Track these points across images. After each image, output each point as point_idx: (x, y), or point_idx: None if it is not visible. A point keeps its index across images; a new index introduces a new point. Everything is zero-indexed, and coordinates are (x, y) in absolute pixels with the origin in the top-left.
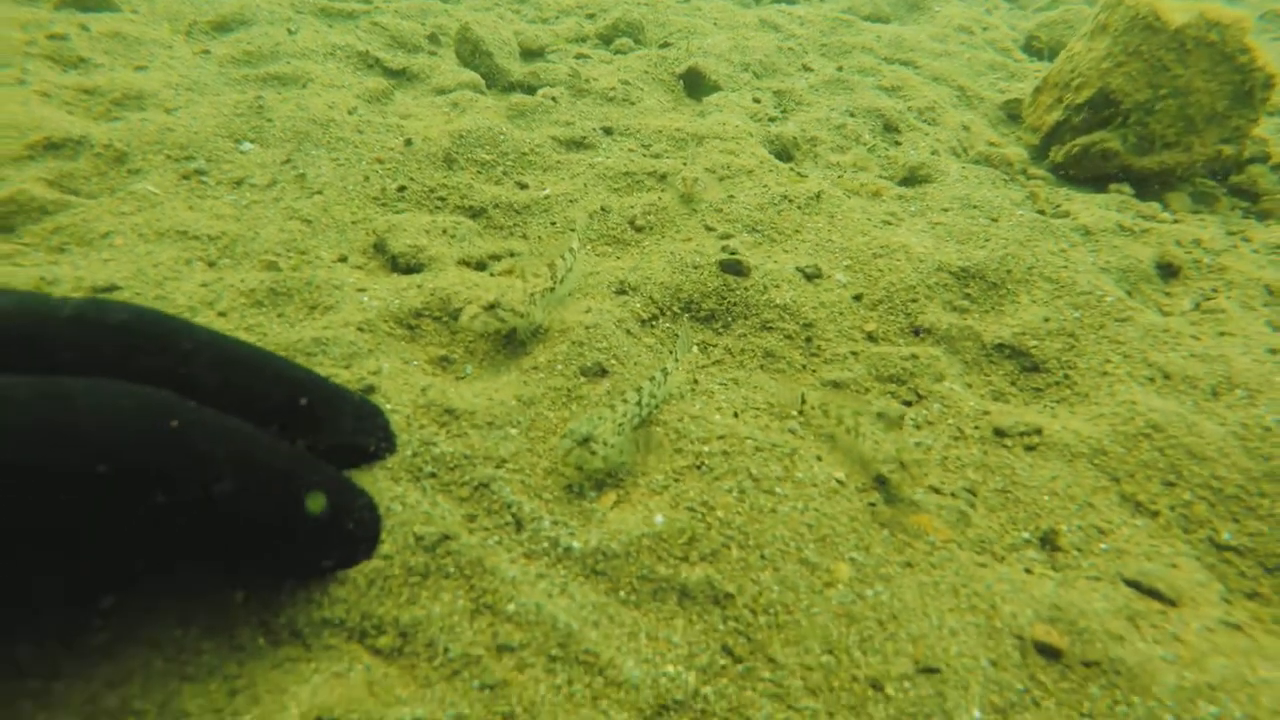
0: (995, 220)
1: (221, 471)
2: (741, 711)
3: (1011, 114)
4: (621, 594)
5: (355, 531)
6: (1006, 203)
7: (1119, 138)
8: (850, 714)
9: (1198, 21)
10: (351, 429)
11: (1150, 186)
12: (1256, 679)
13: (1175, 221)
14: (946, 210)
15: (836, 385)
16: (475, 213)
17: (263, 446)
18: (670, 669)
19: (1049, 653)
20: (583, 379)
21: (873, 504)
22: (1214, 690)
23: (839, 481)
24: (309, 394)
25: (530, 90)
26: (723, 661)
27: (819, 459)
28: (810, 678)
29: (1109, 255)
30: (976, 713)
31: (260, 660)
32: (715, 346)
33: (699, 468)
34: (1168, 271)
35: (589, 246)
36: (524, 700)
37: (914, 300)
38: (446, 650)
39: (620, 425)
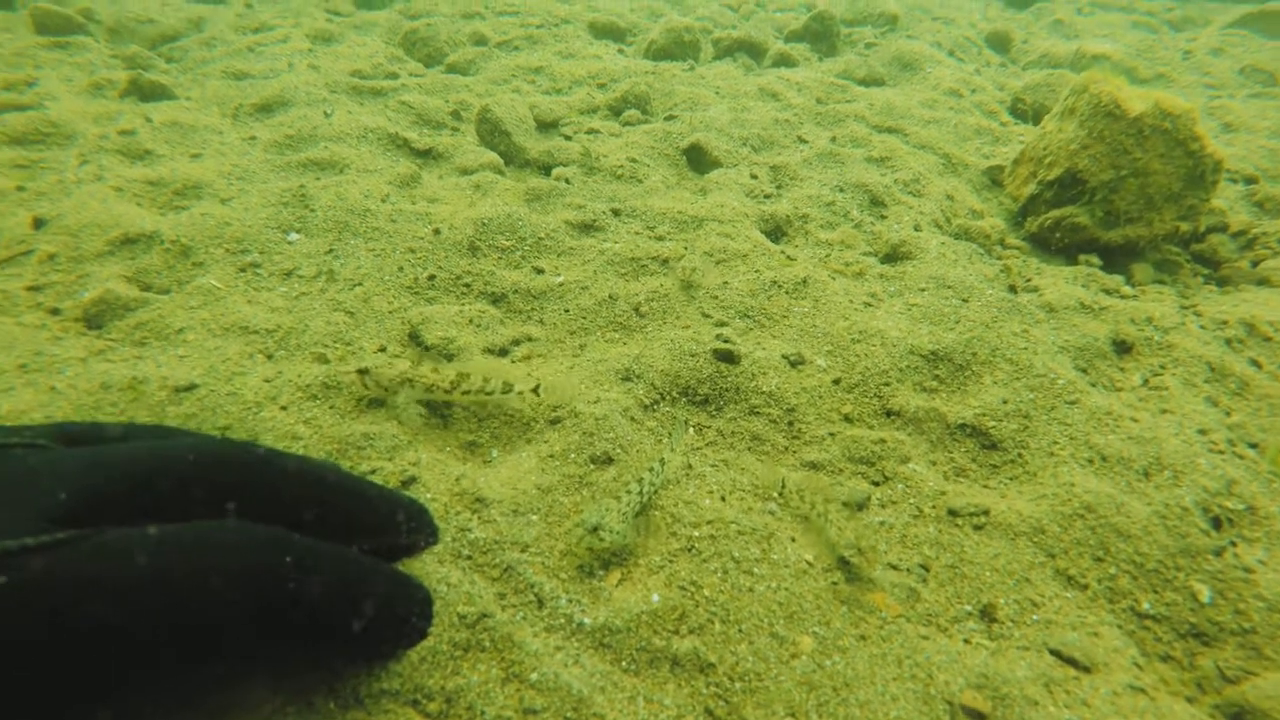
0: (966, 301)
1: (329, 599)
2: None
3: (994, 180)
4: (624, 663)
5: (417, 624)
6: (979, 280)
7: (1087, 213)
8: None
9: (1153, 110)
10: (405, 530)
11: (1117, 257)
12: None
13: (1134, 297)
14: (923, 290)
15: (814, 466)
16: (496, 299)
17: (351, 564)
18: None
19: (974, 715)
20: (592, 466)
21: (835, 583)
22: None
23: (808, 562)
24: (371, 506)
25: (545, 170)
26: None
27: (793, 540)
28: None
29: (1068, 334)
30: None
31: None
32: (709, 429)
33: (690, 550)
34: (1122, 348)
35: (600, 334)
36: None
37: (887, 384)
38: (483, 713)
39: (624, 513)
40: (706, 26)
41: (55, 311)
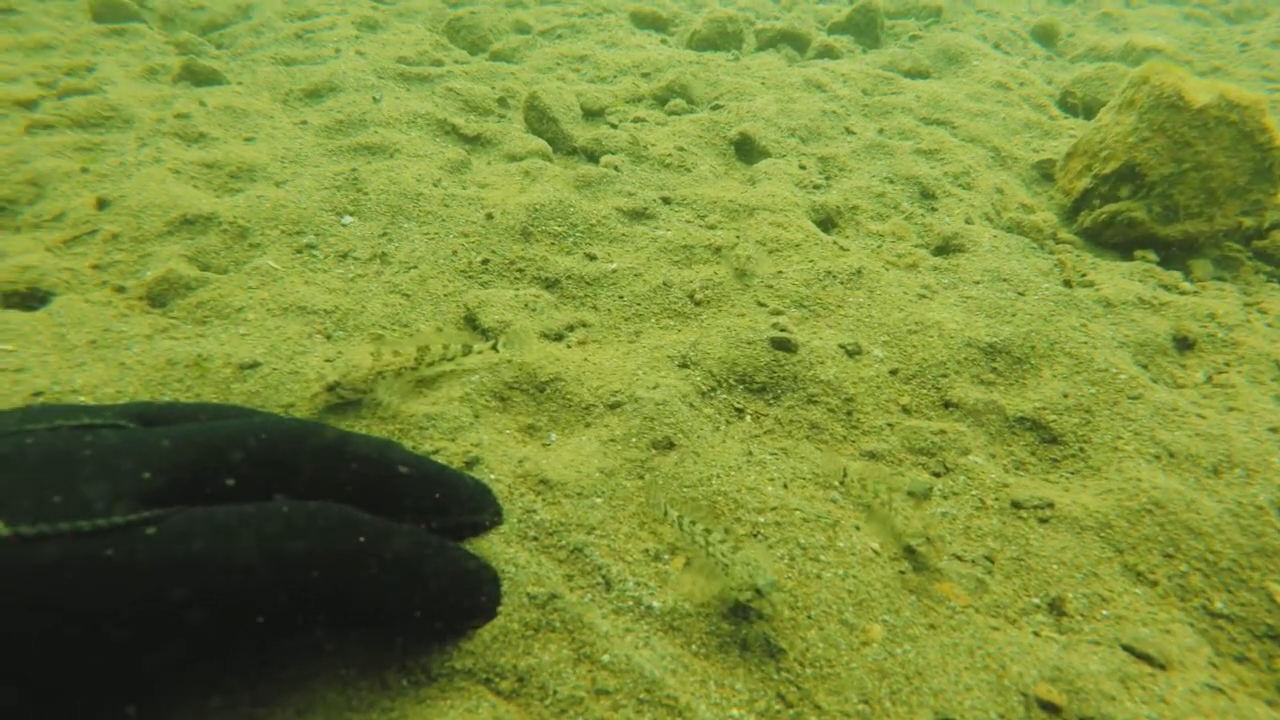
0: (1022, 294)
1: (400, 578)
2: None
3: (1045, 174)
4: (693, 647)
5: (486, 603)
6: (1034, 274)
7: (1144, 208)
8: None
9: (1219, 102)
10: (471, 510)
11: (1174, 253)
12: None
13: (1195, 293)
14: (978, 283)
15: (874, 456)
16: (550, 284)
17: (422, 544)
18: (735, 712)
19: (1050, 708)
20: (654, 451)
21: (903, 572)
22: None
23: (874, 551)
24: (437, 485)
25: (593, 157)
26: (777, 707)
27: (857, 529)
28: None
29: (1127, 329)
30: None
31: (406, 697)
32: (766, 417)
33: (755, 536)
34: (1183, 344)
35: (655, 321)
36: None
37: (944, 375)
38: (555, 693)
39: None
40: (749, 17)
41: (120, 289)
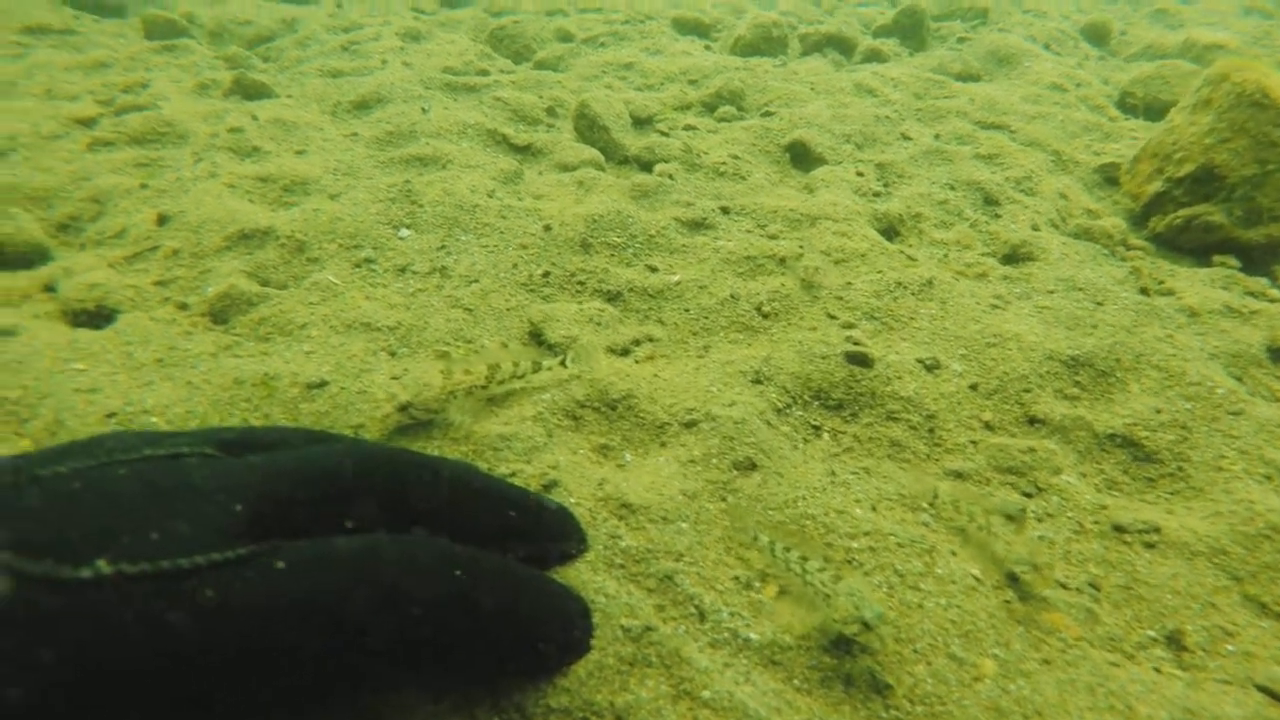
0: (1101, 304)
1: (497, 614)
2: None
3: (1108, 177)
4: (795, 682)
5: (580, 637)
6: (1110, 282)
7: (1223, 211)
8: None
9: None
10: (557, 537)
11: (1256, 257)
12: None
13: None
14: (1052, 293)
15: (959, 475)
16: (612, 296)
17: (516, 577)
18: None
19: None
20: (735, 472)
21: (1007, 601)
22: None
23: (976, 578)
24: (521, 510)
25: (646, 166)
26: None
27: (954, 554)
28: None
29: (1216, 340)
30: None
31: None
32: (844, 434)
33: (850, 563)
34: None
35: (724, 335)
36: None
37: (1027, 390)
38: None
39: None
40: (791, 22)
41: (183, 306)
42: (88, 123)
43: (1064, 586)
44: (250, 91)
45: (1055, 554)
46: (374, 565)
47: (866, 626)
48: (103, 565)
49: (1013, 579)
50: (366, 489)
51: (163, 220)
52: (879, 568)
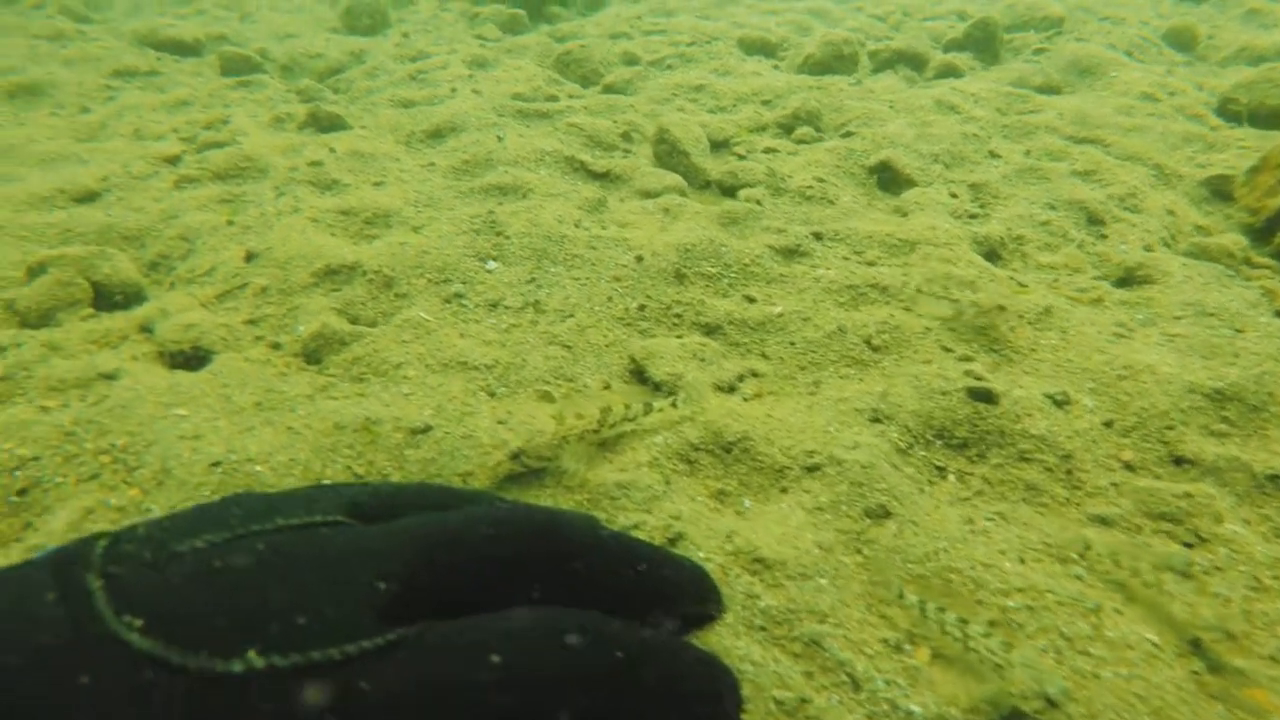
0: (1240, 331)
1: (655, 694)
2: None
3: (1216, 190)
4: None
5: (731, 712)
6: (1243, 306)
7: None
8: None
9: None
10: (697, 597)
11: None
12: None
13: None
14: (1179, 319)
15: (1104, 522)
16: (710, 330)
17: (669, 650)
18: None
19: None
20: (868, 521)
21: (1196, 672)
22: None
23: (1153, 644)
24: (660, 570)
25: (729, 191)
26: None
27: (1120, 613)
28: None
29: None
30: None
31: None
32: (972, 476)
33: (1007, 624)
34: None
35: (833, 369)
36: None
37: (1169, 427)
38: None
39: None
40: (860, 39)
41: (276, 346)
42: (173, 160)
43: (1255, 655)
44: (325, 123)
45: (1235, 614)
46: (533, 647)
47: (1051, 703)
48: (254, 658)
49: (1196, 645)
50: (508, 557)
51: (250, 257)
52: (1041, 630)
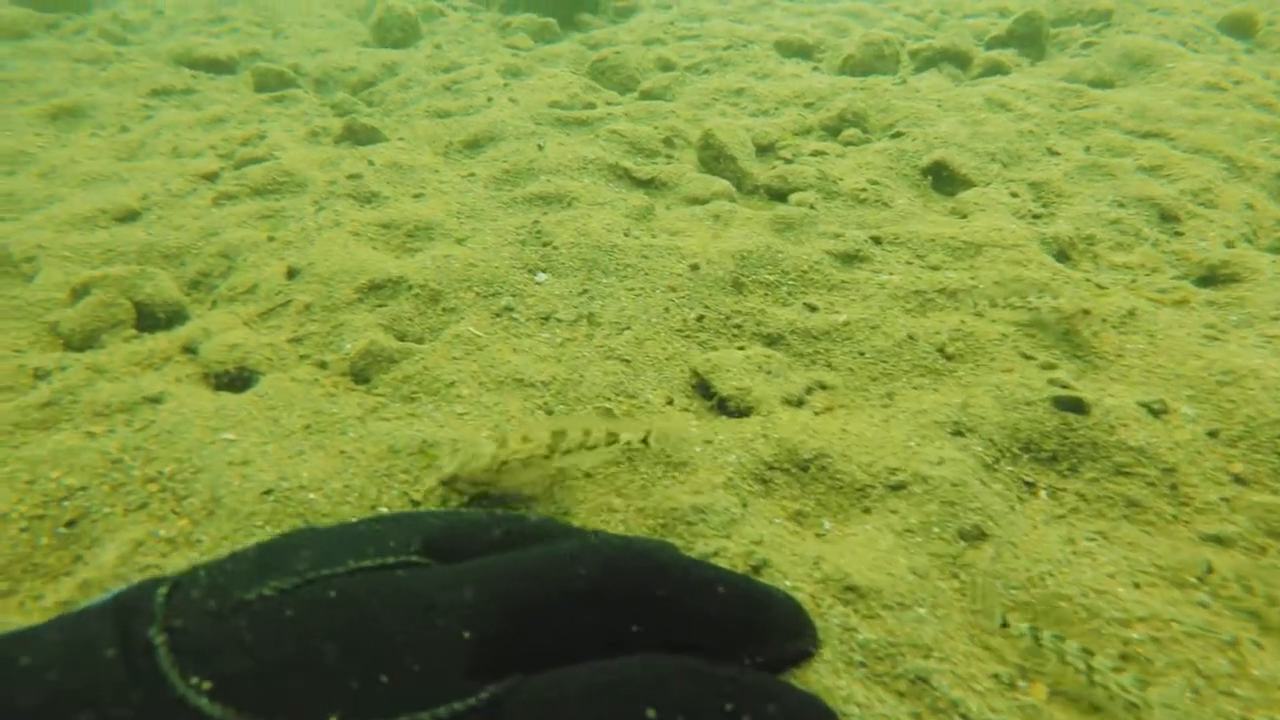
0: None
1: None
2: None
3: None
4: None
5: None
6: None
7: None
8: None
9: None
10: (791, 633)
11: None
12: None
13: None
14: (1277, 319)
15: (1219, 541)
16: (772, 340)
17: (775, 697)
18: None
19: None
20: (964, 544)
21: None
22: None
23: None
24: (750, 605)
25: (779, 195)
26: None
27: (1259, 647)
28: None
29: None
30: None
31: None
32: (1065, 491)
33: (1131, 658)
34: None
35: (906, 380)
36: None
37: None
38: None
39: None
40: (900, 38)
41: (322, 365)
42: (211, 177)
43: None
44: (361, 136)
45: None
46: (629, 704)
47: None
48: None
49: None
50: (598, 601)
51: (292, 273)
52: (1173, 665)
